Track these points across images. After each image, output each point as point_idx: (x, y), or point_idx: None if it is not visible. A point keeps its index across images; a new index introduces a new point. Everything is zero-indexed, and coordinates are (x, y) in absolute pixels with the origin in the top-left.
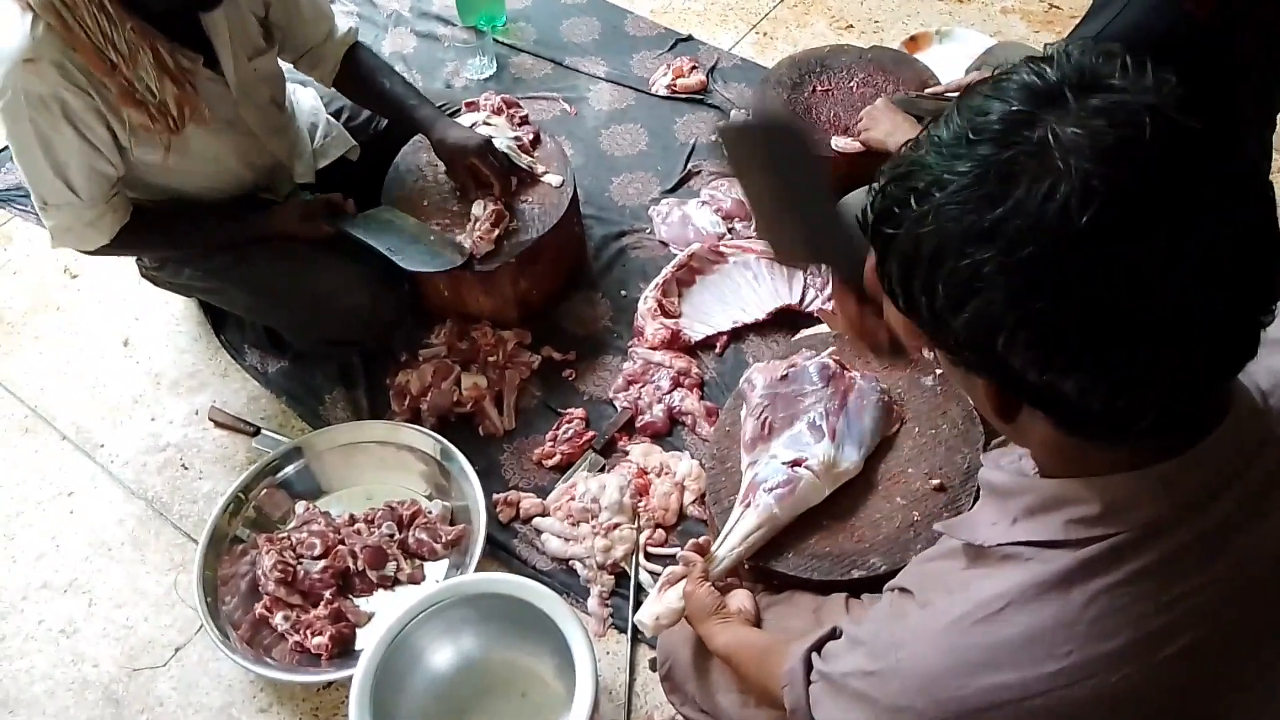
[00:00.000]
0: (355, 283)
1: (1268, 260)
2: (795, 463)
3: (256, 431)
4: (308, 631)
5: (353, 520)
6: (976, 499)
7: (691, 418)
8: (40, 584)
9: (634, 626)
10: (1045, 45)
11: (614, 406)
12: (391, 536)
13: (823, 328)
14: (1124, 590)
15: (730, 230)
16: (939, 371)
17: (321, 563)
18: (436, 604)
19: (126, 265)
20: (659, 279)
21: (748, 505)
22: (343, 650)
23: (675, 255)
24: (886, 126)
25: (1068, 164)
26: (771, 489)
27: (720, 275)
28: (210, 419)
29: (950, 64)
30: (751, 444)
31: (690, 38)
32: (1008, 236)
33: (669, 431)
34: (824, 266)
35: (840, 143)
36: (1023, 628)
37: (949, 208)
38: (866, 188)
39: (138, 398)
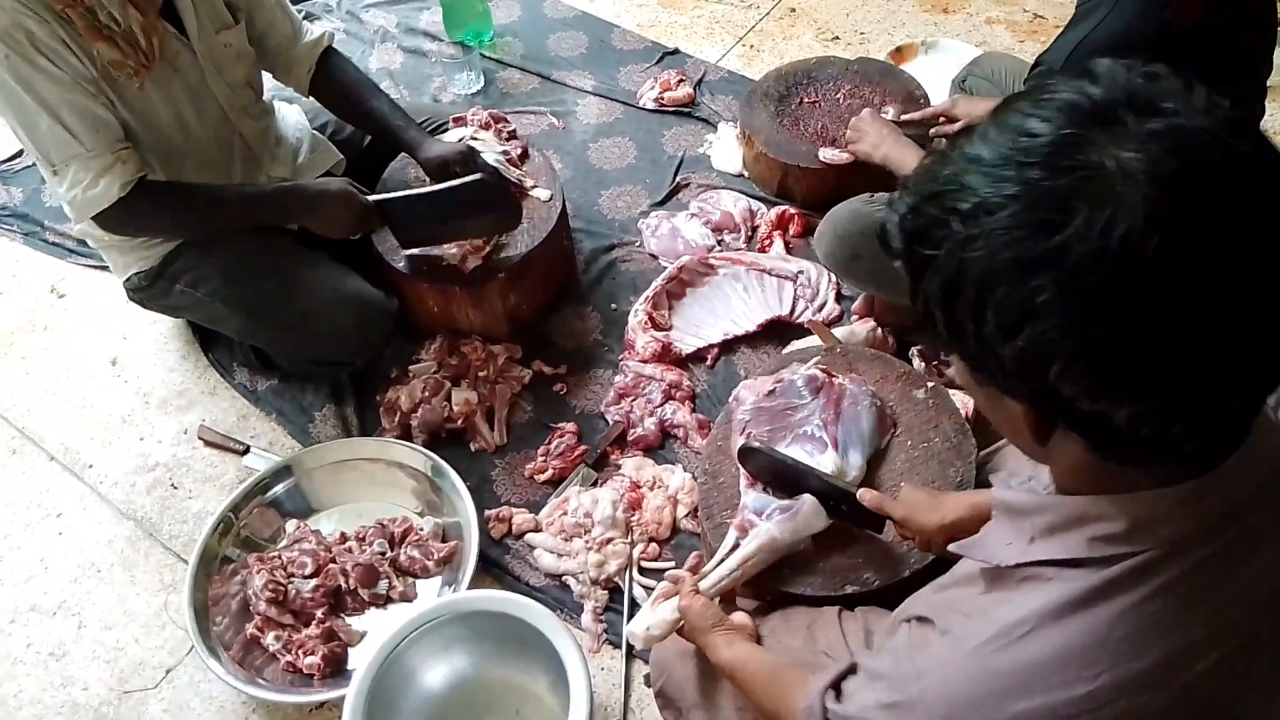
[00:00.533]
0: (342, 303)
1: None
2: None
3: (246, 450)
4: (300, 651)
5: (344, 538)
6: None
7: (683, 431)
8: (29, 606)
9: (628, 641)
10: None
11: (605, 420)
12: (383, 554)
13: (813, 340)
14: (1152, 607)
15: (720, 242)
16: (930, 385)
17: (313, 582)
18: (429, 622)
19: (114, 285)
20: (649, 292)
21: (744, 528)
22: (335, 670)
23: (665, 268)
24: (873, 138)
25: (1128, 191)
26: (771, 514)
27: (710, 287)
28: (199, 438)
29: (936, 75)
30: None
31: (677, 51)
32: (1067, 265)
33: (661, 445)
34: None
35: (828, 154)
36: (1050, 650)
37: (1000, 233)
38: (857, 198)
39: (126, 417)
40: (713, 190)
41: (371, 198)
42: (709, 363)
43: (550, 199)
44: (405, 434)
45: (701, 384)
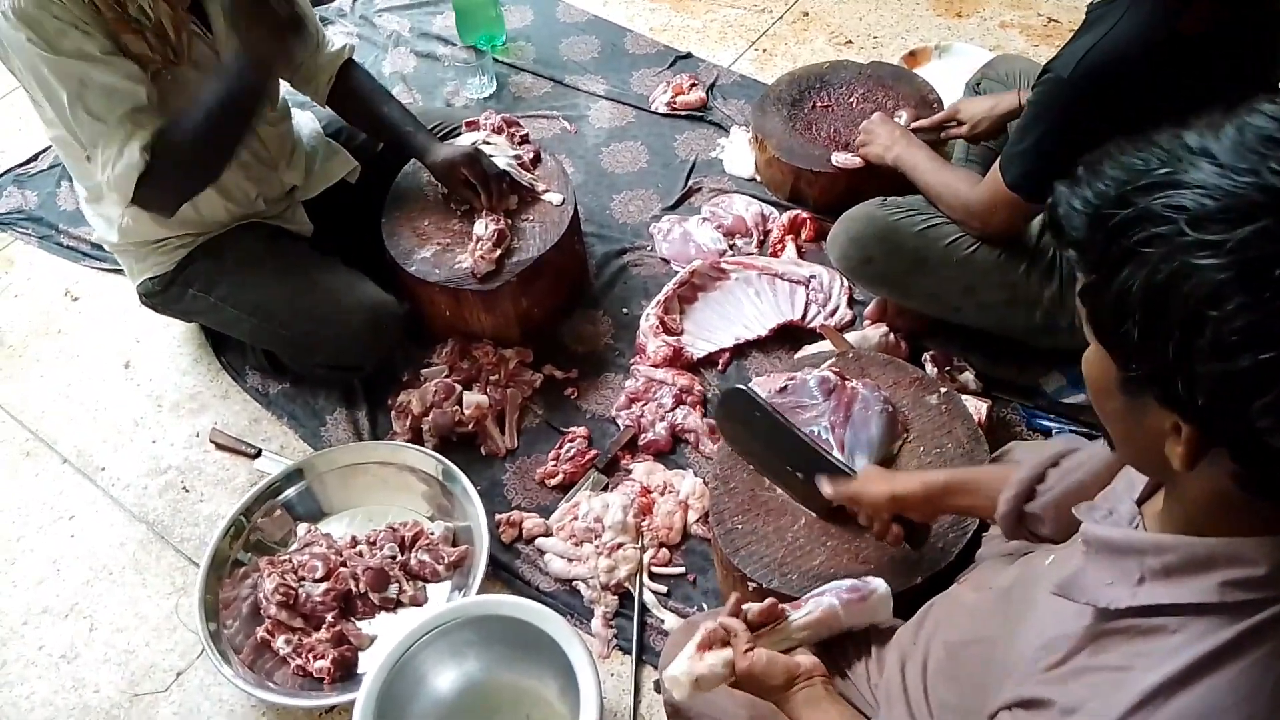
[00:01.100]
0: (354, 308)
1: None
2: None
3: (258, 453)
4: (310, 655)
5: (354, 542)
6: (982, 523)
7: (694, 435)
8: (41, 609)
9: (638, 647)
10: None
11: (616, 425)
12: (394, 558)
13: (825, 344)
14: None
15: (732, 247)
16: (943, 390)
17: (323, 585)
18: (439, 626)
19: (127, 288)
20: (660, 296)
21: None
22: (345, 674)
23: (677, 272)
24: (884, 140)
25: None
26: (839, 592)
27: (722, 292)
28: (211, 441)
29: (949, 79)
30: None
31: (690, 55)
32: None
33: (672, 449)
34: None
35: (841, 158)
36: (1200, 709)
37: (1247, 246)
38: (870, 202)
39: (139, 420)
40: (725, 194)
41: None
42: (720, 367)
43: (562, 203)
44: (416, 438)
45: (713, 389)
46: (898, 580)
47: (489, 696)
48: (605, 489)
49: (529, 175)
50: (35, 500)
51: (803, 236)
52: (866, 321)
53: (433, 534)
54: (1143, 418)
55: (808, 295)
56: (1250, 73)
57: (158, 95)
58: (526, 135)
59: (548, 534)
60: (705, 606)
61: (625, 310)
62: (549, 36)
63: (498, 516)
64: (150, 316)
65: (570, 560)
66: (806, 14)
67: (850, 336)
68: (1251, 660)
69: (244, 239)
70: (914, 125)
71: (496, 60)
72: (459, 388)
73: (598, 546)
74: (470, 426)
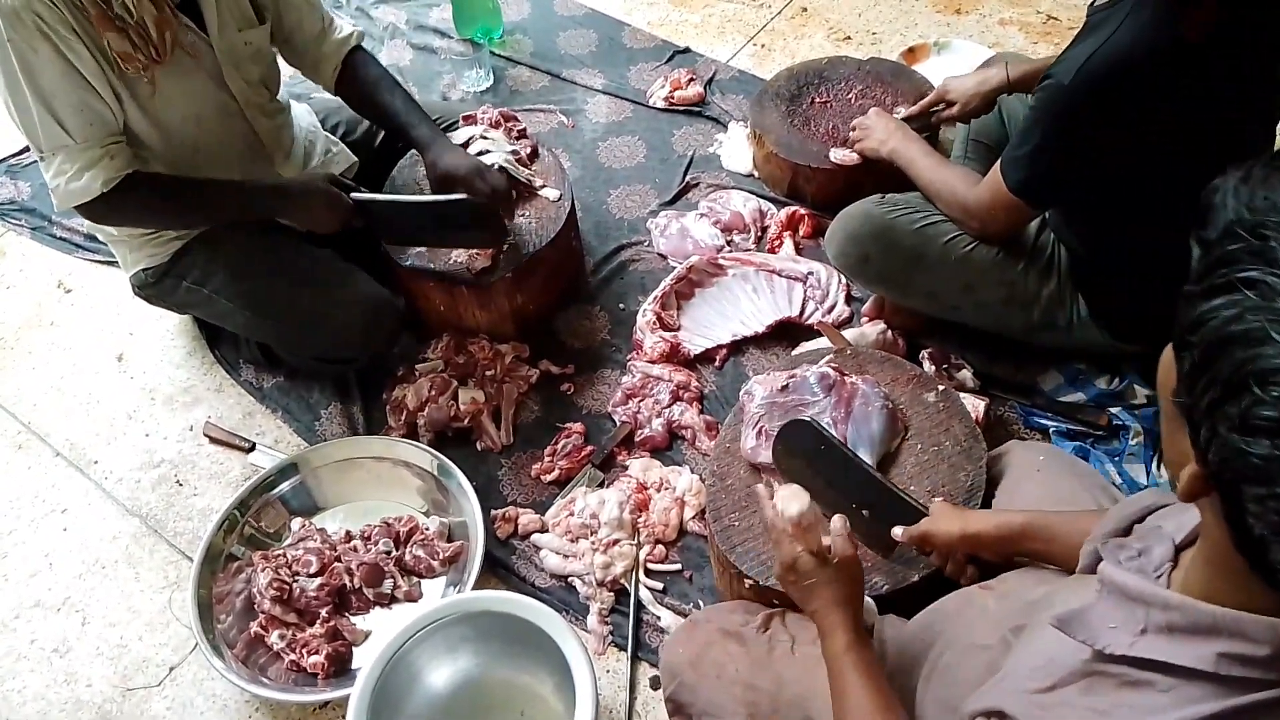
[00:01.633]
0: (350, 300)
1: None
2: None
3: (252, 447)
4: (304, 650)
5: (349, 537)
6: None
7: (691, 432)
8: (33, 602)
9: (634, 644)
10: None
11: (613, 421)
12: (388, 553)
13: (822, 342)
14: None
15: (729, 243)
16: (941, 388)
17: (318, 580)
18: (434, 622)
19: (121, 280)
20: (657, 292)
21: None
22: (339, 669)
23: (674, 268)
24: (880, 134)
25: None
26: None
27: (719, 288)
28: (205, 435)
29: (948, 75)
30: (754, 453)
31: (688, 50)
32: None
33: (668, 446)
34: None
35: (839, 154)
36: None
37: None
38: (868, 199)
39: (132, 413)
40: (722, 190)
41: (354, 196)
42: (717, 364)
43: (559, 198)
44: (411, 433)
45: (710, 385)
46: (893, 578)
47: (484, 693)
48: (601, 485)
49: (526, 171)
50: (27, 493)
51: (800, 233)
52: (864, 319)
53: (428, 529)
54: (1177, 432)
55: (805, 292)
56: (1251, 78)
57: (138, 95)
58: (524, 130)
59: (543, 530)
60: (702, 603)
61: (622, 306)
62: (546, 30)
63: (493, 512)
64: (144, 309)
65: (566, 556)
66: (805, 9)
67: (848, 334)
68: None
69: (239, 231)
70: (905, 113)
71: (493, 53)
72: (454, 383)
73: (594, 543)
74: (466, 422)
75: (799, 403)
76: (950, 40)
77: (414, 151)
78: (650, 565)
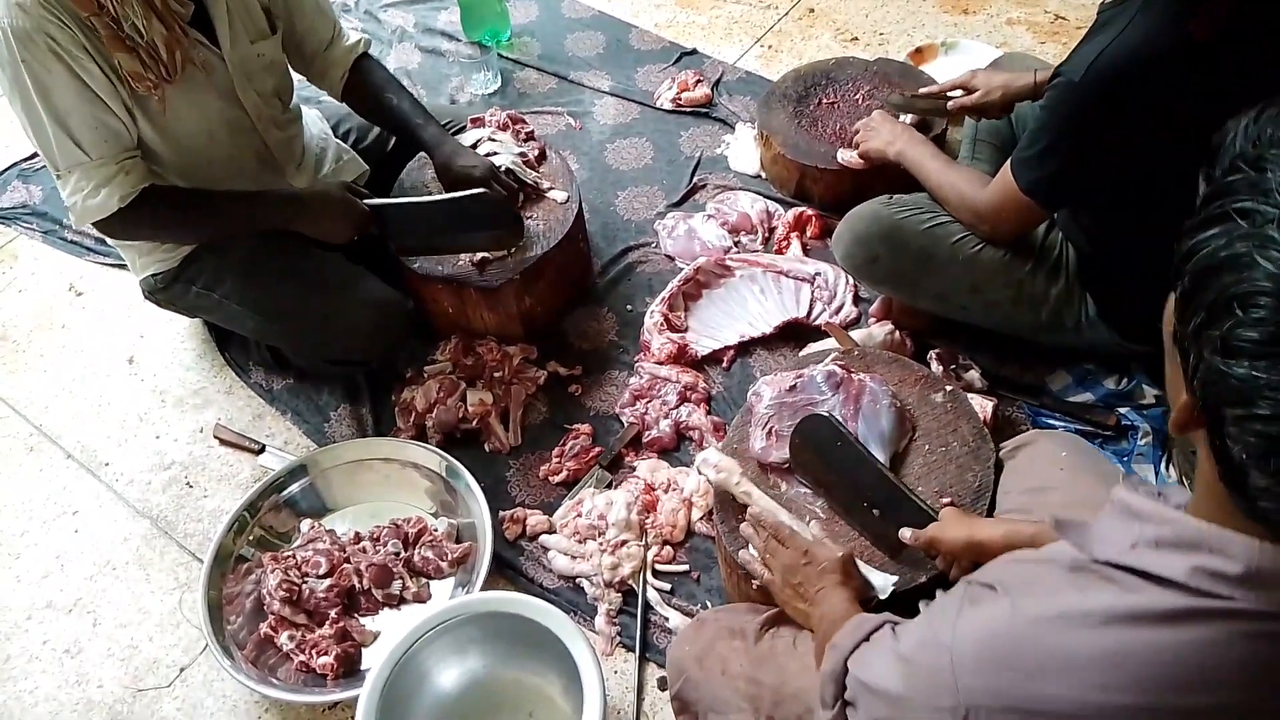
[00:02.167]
0: (360, 303)
1: None
2: None
3: (261, 449)
4: (313, 651)
5: (358, 538)
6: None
7: (699, 433)
8: (45, 603)
9: (642, 644)
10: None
11: (620, 422)
12: (397, 555)
13: (830, 342)
14: (1231, 653)
15: (736, 244)
16: (949, 389)
17: (327, 581)
18: (443, 623)
19: (131, 283)
20: (665, 293)
21: None
22: (348, 670)
23: (681, 269)
24: (885, 136)
25: None
26: None
27: (727, 289)
28: (215, 437)
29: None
30: (765, 453)
31: (695, 51)
32: None
33: (676, 447)
34: None
35: (846, 155)
36: (1111, 650)
37: None
38: (876, 200)
39: (143, 416)
40: (730, 191)
41: (368, 202)
42: (725, 365)
43: (567, 200)
44: (420, 434)
45: (717, 386)
46: (901, 579)
47: (492, 693)
48: (609, 486)
49: (534, 173)
50: (39, 495)
51: (808, 234)
52: (872, 319)
53: (436, 530)
54: (1173, 365)
55: (813, 293)
56: (1261, 76)
57: (150, 112)
58: (532, 132)
59: (551, 531)
60: (709, 604)
61: (629, 307)
62: (554, 32)
63: (501, 513)
64: (154, 312)
65: (574, 557)
66: (812, 10)
67: (855, 334)
68: (1187, 634)
69: (244, 236)
70: (922, 90)
71: (501, 56)
72: (463, 384)
73: (601, 544)
74: (474, 423)
75: (807, 402)
76: (958, 40)
77: (421, 155)
78: (658, 566)
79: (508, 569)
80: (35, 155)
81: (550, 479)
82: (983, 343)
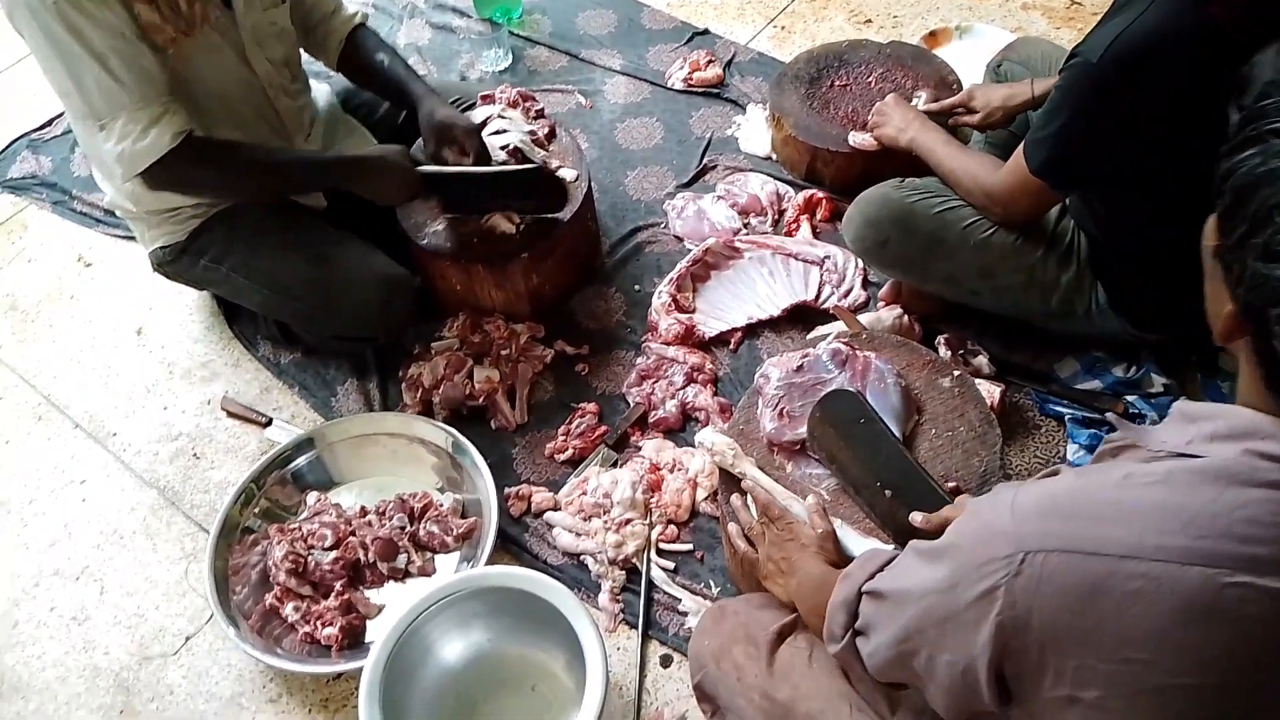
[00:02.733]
0: (368, 279)
1: None
2: None
3: (269, 422)
4: (318, 622)
5: (364, 512)
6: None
7: (705, 414)
8: (52, 571)
9: (645, 622)
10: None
11: (627, 401)
12: (403, 529)
13: (838, 325)
14: (1277, 520)
15: (746, 225)
16: (956, 373)
17: (332, 554)
18: (447, 597)
19: (140, 255)
20: (673, 274)
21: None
22: (353, 642)
23: (690, 250)
24: (898, 122)
25: None
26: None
27: (735, 271)
28: (223, 409)
29: (970, 60)
30: (778, 433)
31: (707, 31)
32: None
33: (682, 427)
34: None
35: (858, 139)
36: (1169, 499)
37: None
38: (887, 183)
39: (150, 387)
40: (740, 173)
41: (422, 169)
42: (732, 347)
43: (576, 179)
44: (427, 410)
45: (724, 367)
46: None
47: (496, 668)
48: (615, 465)
49: (543, 151)
50: (47, 464)
51: (818, 216)
52: (881, 303)
53: (442, 506)
54: (1215, 281)
55: (822, 276)
56: None
57: (170, 67)
58: (542, 110)
59: (556, 508)
60: (713, 583)
61: (638, 287)
62: (565, 10)
63: (507, 490)
64: (163, 284)
65: (578, 535)
66: None
67: (864, 318)
68: (1240, 489)
69: (256, 210)
70: (925, 107)
71: (512, 33)
72: (470, 361)
73: (606, 522)
74: (480, 400)
75: (815, 381)
76: (972, 24)
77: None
78: (662, 545)
79: (512, 545)
80: (44, 126)
81: (556, 457)
82: (991, 328)
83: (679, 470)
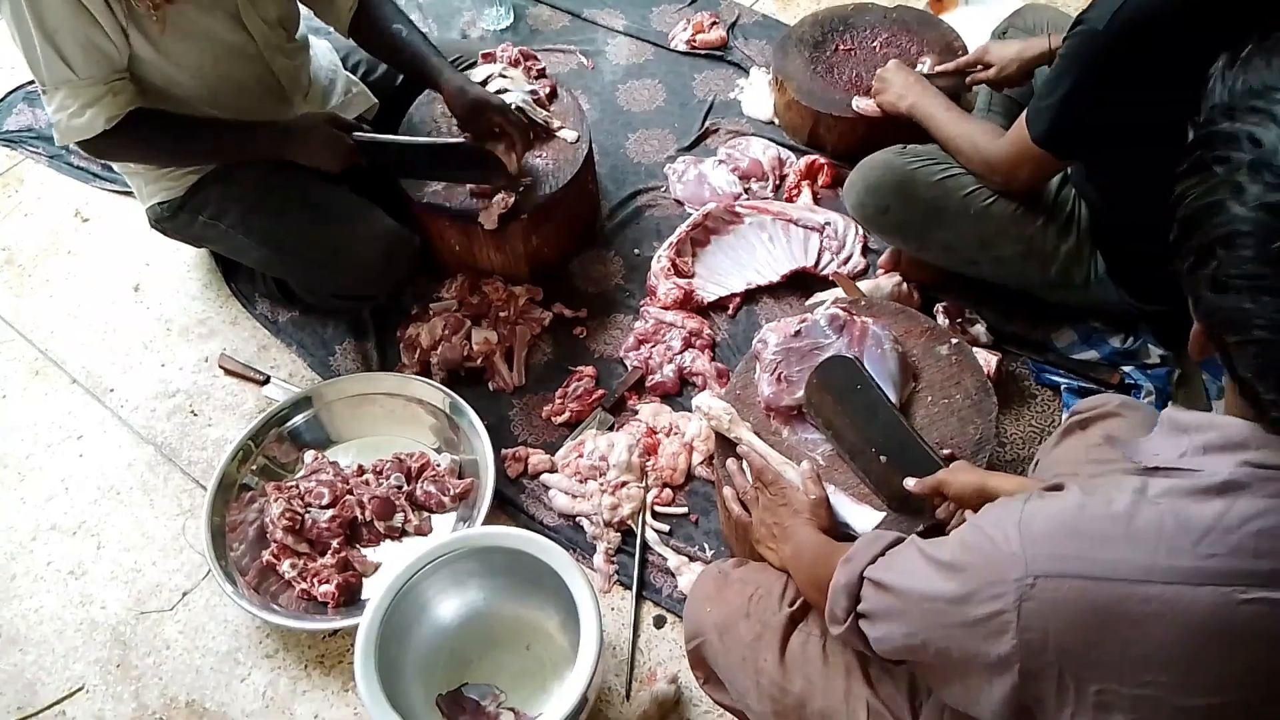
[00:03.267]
0: (369, 237)
1: None
2: None
3: (266, 380)
4: (314, 579)
5: (361, 471)
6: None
7: (702, 378)
8: (50, 525)
9: (639, 583)
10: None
11: (624, 365)
12: (400, 488)
13: (836, 291)
14: None
15: (747, 190)
16: (954, 341)
17: (329, 512)
18: (443, 556)
19: (137, 211)
20: (673, 238)
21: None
22: (349, 599)
23: (690, 214)
24: (899, 88)
25: None
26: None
27: (735, 236)
28: (220, 366)
29: (976, 26)
30: (775, 398)
31: None
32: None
33: (679, 392)
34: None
35: (861, 104)
36: (1177, 519)
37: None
38: (889, 149)
39: (148, 343)
40: (742, 137)
41: (356, 136)
42: (730, 312)
43: (577, 140)
44: (425, 371)
45: (722, 333)
46: (902, 526)
47: (491, 626)
48: (611, 428)
49: (544, 112)
50: (44, 419)
51: (819, 182)
52: (880, 271)
53: (439, 465)
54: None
55: (822, 242)
56: None
57: (147, 32)
58: (543, 69)
59: (553, 470)
60: (706, 546)
61: (637, 251)
62: None
63: (504, 451)
64: (160, 241)
65: (574, 497)
66: None
67: (863, 285)
68: (1246, 502)
69: (254, 167)
70: (939, 68)
71: None
72: (468, 323)
73: (602, 484)
74: (478, 362)
75: (813, 346)
76: None
77: (430, 91)
78: (657, 508)
79: (509, 506)
80: None
81: (553, 419)
82: (990, 297)
83: (675, 434)
